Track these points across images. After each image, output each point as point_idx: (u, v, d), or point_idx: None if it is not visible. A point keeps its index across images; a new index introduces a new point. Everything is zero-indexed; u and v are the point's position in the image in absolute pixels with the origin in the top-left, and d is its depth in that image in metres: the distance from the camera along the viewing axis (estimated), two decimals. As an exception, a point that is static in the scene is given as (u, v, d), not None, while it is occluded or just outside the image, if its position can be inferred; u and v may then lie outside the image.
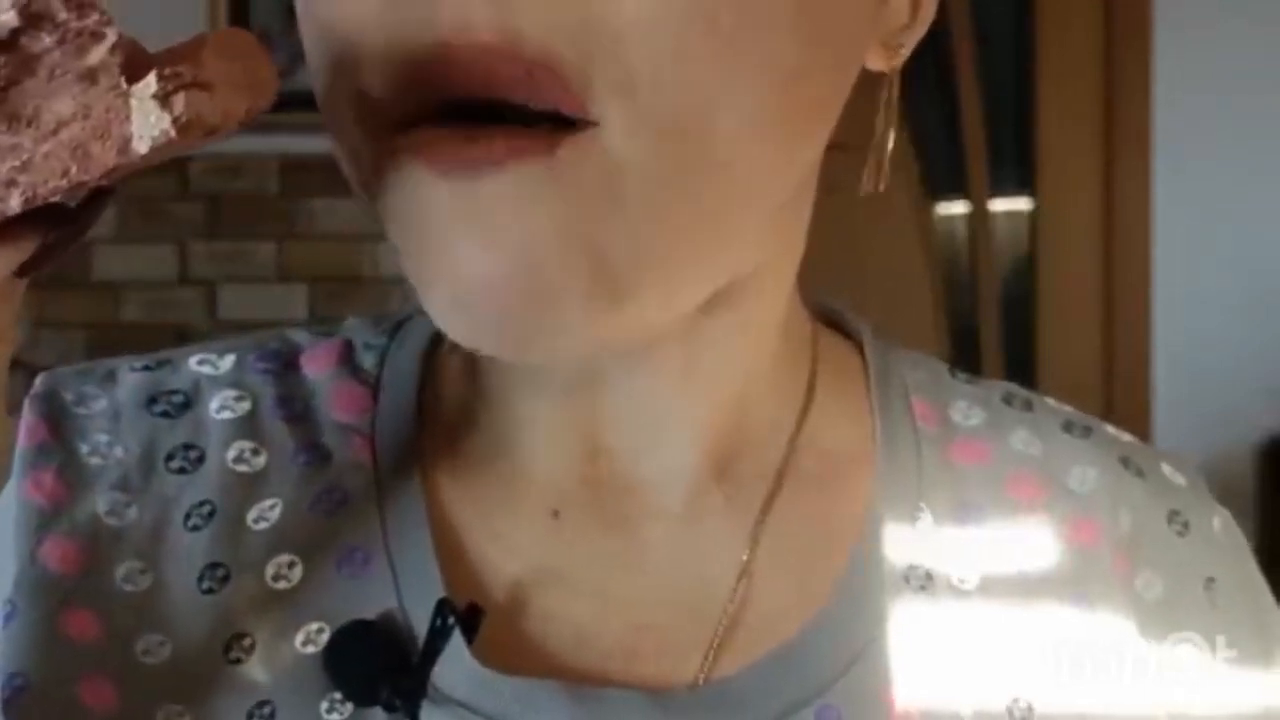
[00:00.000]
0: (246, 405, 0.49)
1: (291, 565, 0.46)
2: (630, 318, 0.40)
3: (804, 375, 0.50)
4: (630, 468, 0.47)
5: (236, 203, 2.55)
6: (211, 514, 0.47)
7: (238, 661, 0.45)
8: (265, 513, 0.47)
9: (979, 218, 2.66)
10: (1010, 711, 0.46)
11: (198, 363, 0.50)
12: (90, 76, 0.30)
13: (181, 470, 0.48)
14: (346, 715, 0.44)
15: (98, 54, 0.30)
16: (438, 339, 0.51)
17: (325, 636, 0.45)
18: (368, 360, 0.51)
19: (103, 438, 0.48)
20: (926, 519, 0.48)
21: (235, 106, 0.33)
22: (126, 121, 0.30)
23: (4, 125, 0.30)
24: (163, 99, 0.30)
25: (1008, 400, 0.53)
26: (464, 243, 0.38)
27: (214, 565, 0.46)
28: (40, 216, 0.31)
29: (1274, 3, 2.52)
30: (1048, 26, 2.61)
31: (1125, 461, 0.51)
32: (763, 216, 0.43)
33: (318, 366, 0.51)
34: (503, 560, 0.47)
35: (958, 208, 2.68)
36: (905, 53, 0.46)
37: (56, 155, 0.30)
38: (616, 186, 0.38)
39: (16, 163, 0.30)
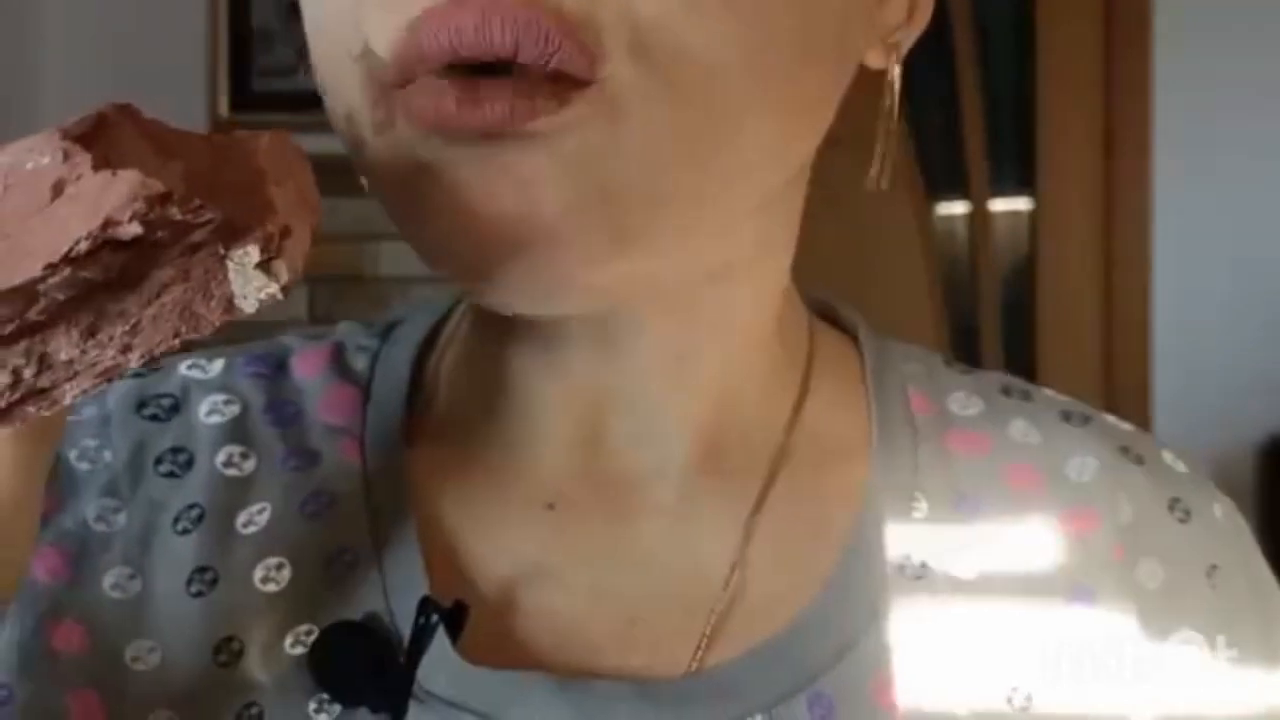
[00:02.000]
0: (236, 409, 0.49)
1: (280, 568, 0.46)
2: (639, 263, 0.40)
3: (799, 367, 0.50)
4: (626, 459, 0.47)
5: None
6: (200, 517, 0.47)
7: (226, 665, 0.45)
8: (254, 516, 0.47)
9: (979, 218, 2.66)
10: (1009, 701, 0.46)
11: (187, 367, 0.50)
12: (192, 249, 0.32)
13: (170, 474, 0.48)
14: (335, 715, 0.44)
15: (200, 234, 0.31)
16: (431, 339, 0.51)
17: (314, 638, 0.45)
18: (359, 362, 0.51)
19: (91, 442, 0.48)
20: (923, 509, 0.48)
21: (306, 239, 0.34)
22: (225, 282, 0.32)
23: (111, 295, 0.31)
24: (265, 266, 0.32)
25: (1005, 391, 0.53)
26: (469, 188, 0.38)
27: (203, 569, 0.46)
28: None
29: (1274, 3, 2.52)
30: (1048, 26, 2.61)
31: (1125, 450, 0.51)
32: (761, 196, 0.43)
33: (308, 369, 0.51)
34: (493, 557, 0.47)
35: (958, 208, 2.68)
36: (902, 52, 0.46)
37: (164, 317, 0.32)
38: (626, 136, 0.38)
39: (126, 327, 0.32)
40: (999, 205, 2.67)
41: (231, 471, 0.48)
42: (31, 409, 0.32)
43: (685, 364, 0.46)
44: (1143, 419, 2.50)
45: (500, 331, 0.47)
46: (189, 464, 0.48)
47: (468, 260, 0.40)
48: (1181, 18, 2.50)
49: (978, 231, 2.66)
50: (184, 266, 0.32)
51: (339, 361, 0.51)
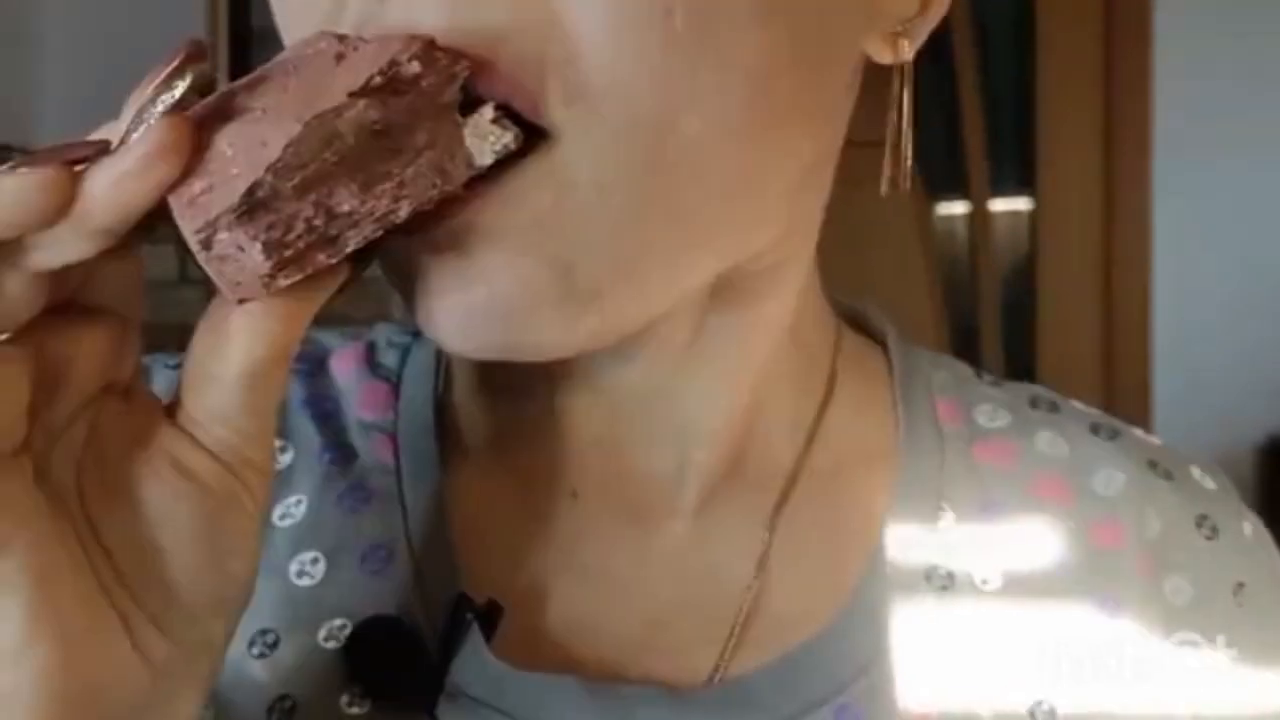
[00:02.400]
0: None
1: (315, 562, 0.47)
2: (605, 320, 0.40)
3: (824, 373, 0.50)
4: (645, 464, 0.47)
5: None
6: None
7: (261, 657, 0.45)
8: (290, 509, 0.48)
9: (979, 218, 2.66)
10: (1033, 713, 0.46)
11: None
12: (439, 114, 0.37)
13: None
14: (366, 709, 0.44)
15: (449, 94, 0.37)
16: None
17: (348, 632, 0.45)
18: (390, 358, 0.52)
19: None
20: (948, 518, 0.48)
21: None
22: (463, 145, 0.37)
23: (377, 158, 0.36)
24: (499, 123, 0.38)
25: (1033, 403, 0.52)
26: (440, 280, 0.40)
27: None
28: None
29: (1274, 3, 2.52)
30: (1048, 26, 2.61)
31: (1153, 465, 0.51)
32: (754, 219, 0.43)
33: (345, 367, 0.52)
34: (521, 555, 0.47)
35: (958, 208, 2.68)
36: (916, 44, 0.45)
37: (423, 175, 0.37)
38: (577, 202, 0.38)
39: (393, 184, 0.37)
40: (999, 205, 2.67)
41: None
42: (322, 256, 0.36)
43: (701, 369, 0.46)
44: (1143, 419, 2.49)
45: None
46: None
47: (446, 334, 0.41)
48: (1181, 17, 2.50)
49: (978, 231, 2.66)
50: (434, 133, 0.37)
51: (370, 359, 0.52)
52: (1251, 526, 0.51)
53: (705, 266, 0.42)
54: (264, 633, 0.45)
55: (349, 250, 0.37)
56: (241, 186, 0.34)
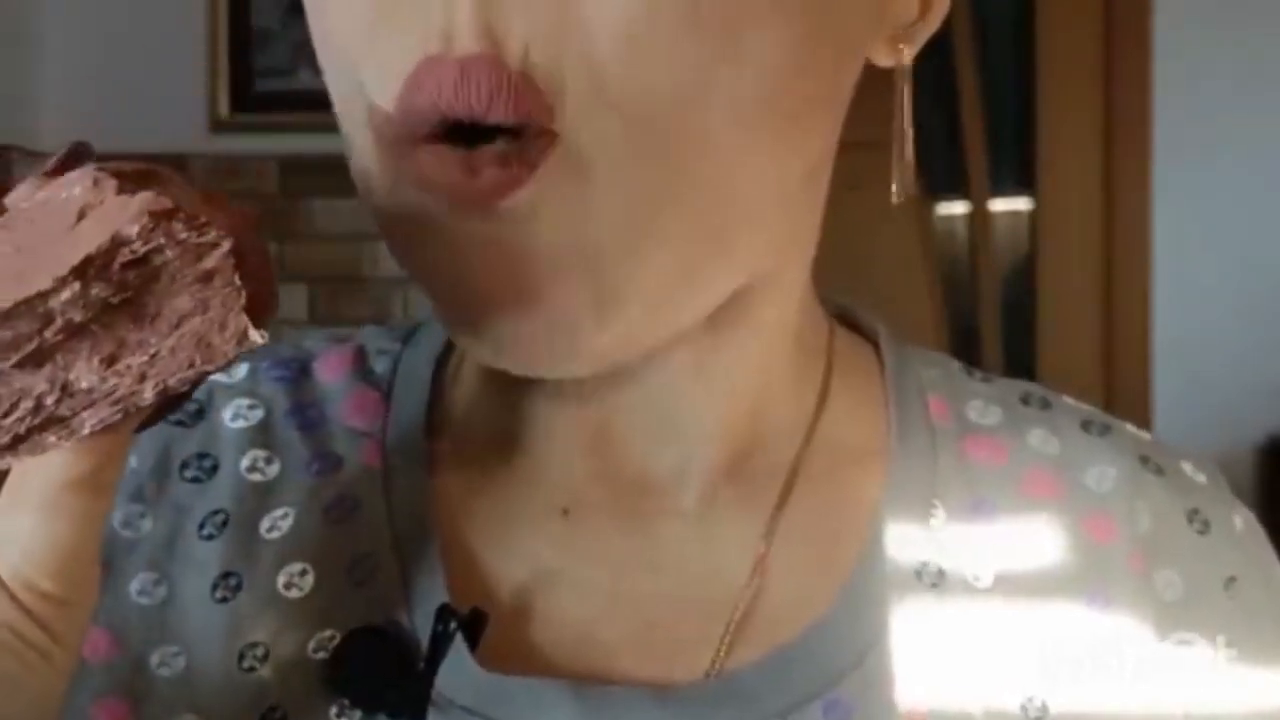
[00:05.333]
0: (260, 414, 0.50)
1: (303, 573, 0.46)
2: (629, 331, 0.41)
3: (819, 373, 0.50)
4: (642, 466, 0.47)
5: (236, 202, 2.54)
6: (225, 523, 0.47)
7: (251, 670, 0.45)
8: (278, 521, 0.47)
9: (979, 218, 2.66)
10: (1024, 709, 0.46)
11: None
12: (207, 278, 0.33)
13: (195, 479, 0.48)
14: None
15: (213, 259, 0.33)
16: (451, 344, 0.52)
17: (335, 644, 0.45)
18: (380, 365, 0.51)
19: None
20: (940, 515, 0.48)
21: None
22: (238, 314, 0.33)
23: (132, 324, 0.33)
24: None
25: (1025, 399, 0.52)
26: (465, 256, 0.40)
27: (227, 574, 0.46)
28: None
29: (1274, 2, 2.52)
30: (1048, 26, 2.61)
31: (1144, 460, 0.51)
32: (763, 219, 0.43)
33: (331, 373, 0.51)
34: (512, 563, 0.47)
35: (958, 208, 2.68)
36: (915, 49, 0.46)
37: (182, 348, 0.33)
38: (593, 192, 0.39)
39: (145, 357, 0.33)
40: (999, 205, 2.67)
41: (255, 476, 0.48)
42: (51, 438, 0.33)
43: (702, 372, 0.47)
44: (1143, 419, 2.49)
45: None
46: (214, 469, 0.48)
47: (466, 316, 0.41)
48: (1181, 17, 2.50)
49: (978, 231, 2.66)
50: (202, 298, 0.33)
51: (361, 365, 0.51)
52: (1242, 520, 0.51)
53: (721, 281, 0.43)
54: (253, 646, 0.45)
55: (84, 434, 0.33)
56: None
